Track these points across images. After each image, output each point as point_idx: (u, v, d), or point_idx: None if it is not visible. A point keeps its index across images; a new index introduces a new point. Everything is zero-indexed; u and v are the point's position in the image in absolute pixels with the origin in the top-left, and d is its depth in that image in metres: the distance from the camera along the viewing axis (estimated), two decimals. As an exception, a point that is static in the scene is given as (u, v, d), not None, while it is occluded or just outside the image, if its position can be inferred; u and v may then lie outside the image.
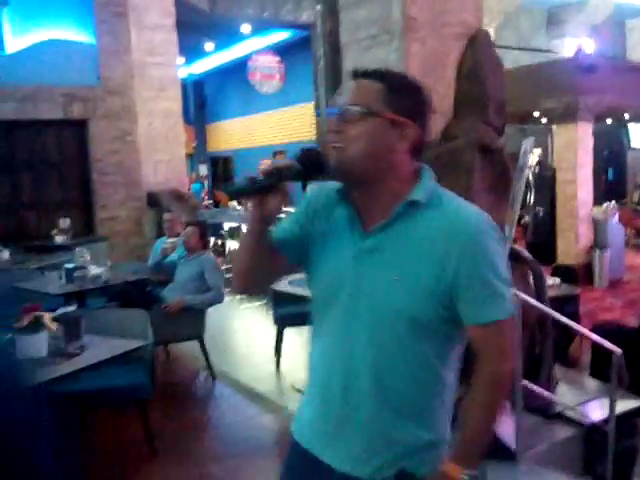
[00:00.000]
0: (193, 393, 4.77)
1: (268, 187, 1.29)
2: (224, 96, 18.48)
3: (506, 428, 2.97)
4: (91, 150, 7.88)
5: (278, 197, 1.30)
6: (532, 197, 10.24)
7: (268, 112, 16.43)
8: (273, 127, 16.64)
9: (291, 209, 1.52)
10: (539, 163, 10.74)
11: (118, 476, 3.39)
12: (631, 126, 13.33)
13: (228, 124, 18.89)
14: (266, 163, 1.33)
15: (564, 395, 3.59)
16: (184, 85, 9.25)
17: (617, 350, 3.32)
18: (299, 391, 4.35)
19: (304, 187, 1.41)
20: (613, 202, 9.69)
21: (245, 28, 12.10)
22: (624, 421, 3.34)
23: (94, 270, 4.83)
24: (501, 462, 2.84)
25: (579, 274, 8.00)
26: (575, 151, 10.00)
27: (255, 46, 13.98)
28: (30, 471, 0.95)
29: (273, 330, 5.08)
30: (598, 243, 8.79)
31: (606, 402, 3.29)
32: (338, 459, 1.39)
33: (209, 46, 14.89)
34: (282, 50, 13.47)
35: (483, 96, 3.58)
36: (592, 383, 4.02)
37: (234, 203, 9.66)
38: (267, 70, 13.09)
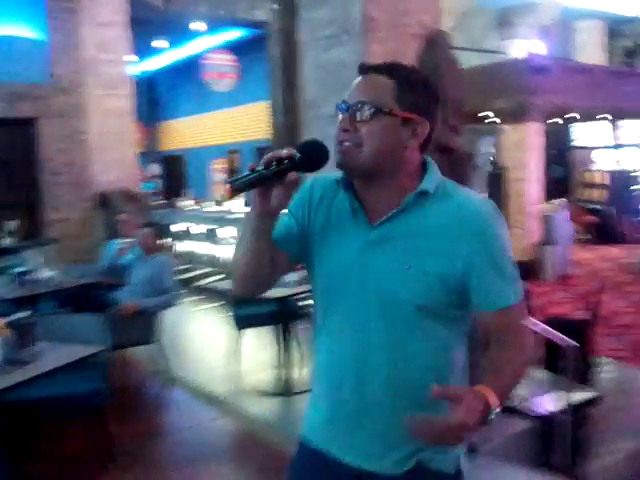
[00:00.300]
0: (148, 398, 4.68)
1: (271, 178, 1.23)
2: (177, 94, 18.25)
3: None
4: (41, 149, 7.67)
5: (283, 189, 1.24)
6: (485, 195, 10.42)
7: (222, 111, 16.30)
8: (227, 126, 16.51)
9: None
10: (491, 162, 10.93)
11: (75, 484, 3.32)
12: (576, 125, 13.70)
13: (181, 122, 18.66)
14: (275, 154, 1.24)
15: (519, 388, 3.67)
16: (136, 83, 9.05)
17: (572, 343, 3.40)
18: (260, 393, 4.33)
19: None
20: (562, 199, 9.94)
21: (199, 26, 11.96)
22: (578, 412, 3.43)
23: (46, 273, 4.70)
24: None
25: (529, 269, 8.20)
26: (525, 150, 10.24)
27: (209, 44, 13.85)
28: None
29: (231, 331, 5.03)
30: (547, 239, 9.01)
31: (560, 394, 3.36)
32: (356, 456, 1.38)
33: (162, 43, 14.68)
34: (237, 48, 13.37)
35: (441, 96, 3.61)
36: (546, 376, 4.11)
37: (189, 202, 9.55)
38: (221, 68, 12.99)
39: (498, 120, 10.19)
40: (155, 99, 19.50)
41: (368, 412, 1.35)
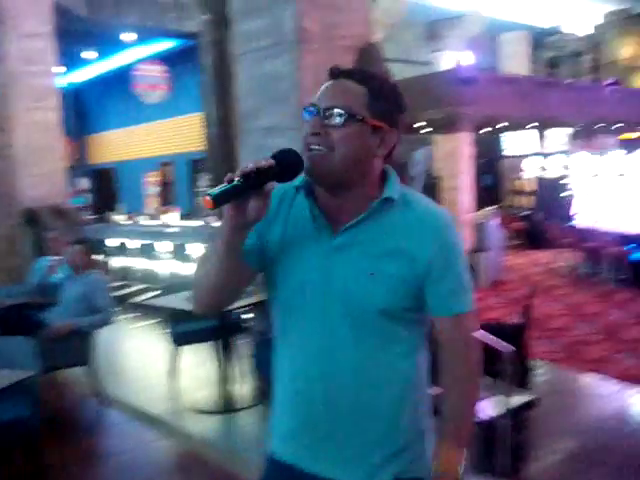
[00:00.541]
0: (85, 422, 4.50)
1: (252, 188, 1.19)
2: (106, 106, 17.84)
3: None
4: (-38, 165, 7.32)
5: (261, 200, 1.21)
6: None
7: (154, 122, 16.04)
8: (159, 138, 16.25)
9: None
10: (425, 172, 11.15)
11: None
12: (505, 135, 14.15)
13: (111, 135, 18.25)
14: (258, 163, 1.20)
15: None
16: (63, 95, 8.77)
17: (509, 347, 3.47)
18: (200, 411, 4.23)
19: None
20: (493, 207, 10.22)
21: (128, 36, 11.74)
22: (516, 415, 3.49)
23: (-31, 295, 4.47)
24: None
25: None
26: (457, 159, 10.49)
27: (139, 55, 13.61)
28: None
29: (167, 349, 4.91)
30: (480, 246, 9.24)
31: (499, 398, 3.42)
32: (328, 467, 1.35)
33: (91, 54, 14.34)
34: (168, 59, 13.19)
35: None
36: (484, 381, 4.18)
37: (123, 217, 9.32)
38: (152, 80, 12.78)
39: (430, 130, 10.41)
40: (84, 111, 19.01)
41: (338, 421, 1.34)
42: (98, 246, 7.77)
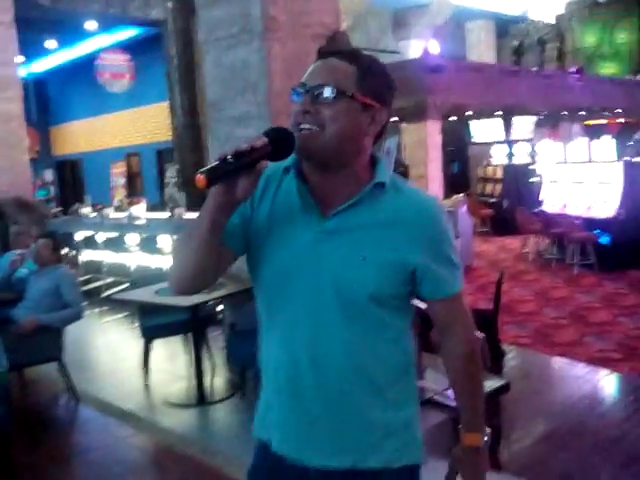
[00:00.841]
0: (56, 419, 4.42)
1: (245, 167, 1.17)
2: (70, 96, 17.47)
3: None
4: None
5: (252, 178, 1.19)
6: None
7: (119, 112, 15.77)
8: (125, 128, 16.00)
9: None
10: (395, 160, 11.16)
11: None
12: (472, 123, 14.27)
13: (75, 126, 17.90)
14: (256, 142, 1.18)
15: (432, 381, 3.74)
16: (25, 85, 8.57)
17: (479, 334, 3.49)
18: (173, 405, 4.20)
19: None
20: (462, 194, 10.30)
21: (90, 25, 11.49)
22: (489, 401, 3.52)
23: None
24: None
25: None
26: (425, 148, 10.54)
27: (102, 43, 13.35)
28: None
29: (139, 343, 4.85)
30: (450, 233, 9.29)
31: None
32: (319, 454, 1.34)
33: (51, 43, 14.01)
34: (132, 48, 12.95)
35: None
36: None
37: (87, 209, 9.14)
38: (116, 69, 12.54)
39: (398, 119, 10.43)
40: (48, 102, 18.60)
41: (327, 407, 1.33)
42: (65, 239, 7.62)
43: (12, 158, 7.58)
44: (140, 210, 8.59)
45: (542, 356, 5.21)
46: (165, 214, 7.85)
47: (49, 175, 18.21)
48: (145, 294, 4.51)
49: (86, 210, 8.99)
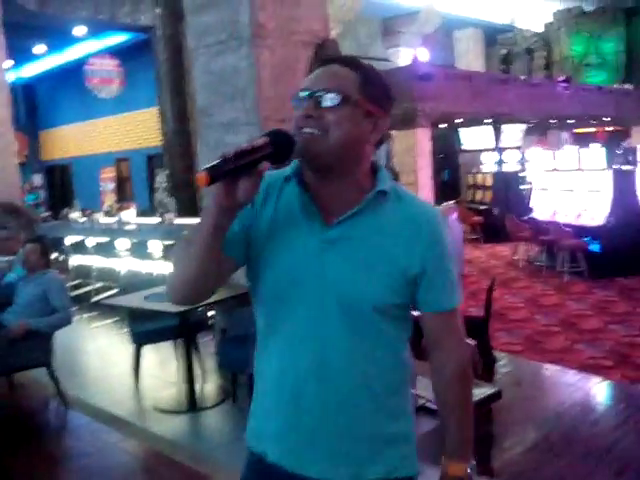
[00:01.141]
0: (45, 425, 4.35)
1: (246, 167, 1.15)
2: (59, 101, 17.40)
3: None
4: None
5: (253, 180, 1.17)
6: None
7: (109, 117, 15.72)
8: (114, 133, 15.94)
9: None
10: (385, 167, 11.19)
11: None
12: (461, 130, 14.33)
13: (64, 130, 17.82)
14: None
15: (424, 388, 3.74)
16: (13, 89, 8.54)
17: (470, 342, 3.49)
18: (164, 411, 4.16)
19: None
20: (452, 201, 10.34)
21: (79, 30, 11.45)
22: (480, 408, 3.53)
23: None
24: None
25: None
26: (414, 155, 10.57)
27: (91, 49, 13.31)
28: None
29: (129, 348, 4.81)
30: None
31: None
32: (316, 465, 1.32)
33: (40, 48, 13.96)
34: (121, 53, 12.92)
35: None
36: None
37: (76, 214, 9.09)
38: (105, 74, 12.51)
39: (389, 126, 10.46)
40: (36, 106, 18.52)
41: (327, 417, 1.31)
42: (55, 244, 7.57)
43: (0, 163, 7.52)
44: (130, 215, 8.55)
45: (533, 363, 5.22)
46: (155, 219, 7.82)
47: (38, 179, 18.11)
48: (134, 300, 4.48)
49: (75, 215, 8.94)
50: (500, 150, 13.89)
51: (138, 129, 14.93)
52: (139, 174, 15.27)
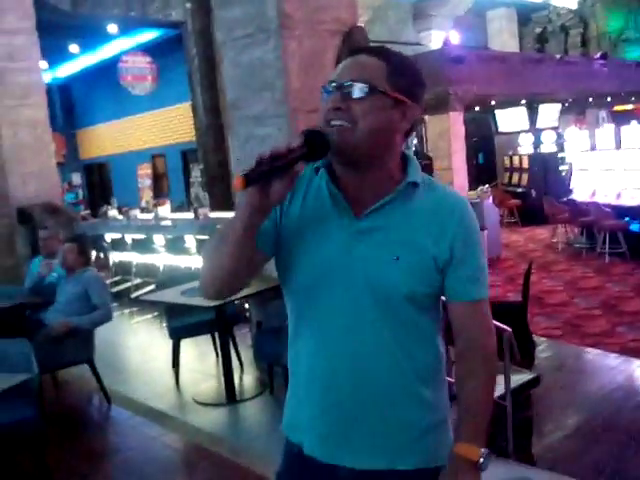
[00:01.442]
0: (88, 420, 4.48)
1: (282, 169, 1.16)
2: (94, 99, 17.67)
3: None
4: (-49, 166, 7.24)
5: (287, 181, 1.18)
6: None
7: (143, 114, 15.91)
8: (150, 129, 16.13)
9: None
10: (416, 152, 11.10)
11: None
12: (497, 112, 14.08)
13: (101, 129, 18.10)
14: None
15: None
16: (49, 90, 8.71)
17: (507, 329, 3.45)
18: (202, 404, 4.23)
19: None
20: (487, 185, 10.20)
21: (112, 28, 11.59)
22: (519, 394, 3.49)
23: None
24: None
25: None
26: (448, 139, 10.42)
27: (124, 46, 13.47)
28: None
29: (169, 343, 4.89)
30: (476, 225, 9.20)
31: (501, 378, 3.41)
32: (351, 455, 1.34)
33: (74, 48, 14.18)
34: (153, 50, 13.04)
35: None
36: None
37: (113, 211, 9.25)
38: (138, 71, 12.64)
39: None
40: (73, 106, 18.84)
41: (362, 405, 1.32)
42: (95, 242, 7.73)
43: (39, 164, 7.67)
44: (165, 211, 8.67)
45: (574, 347, 5.14)
46: (190, 214, 7.92)
47: (77, 178, 18.46)
48: (171, 295, 4.55)
49: (113, 212, 9.11)
50: (537, 131, 13.61)
51: (172, 124, 15.08)
52: (175, 169, 15.44)
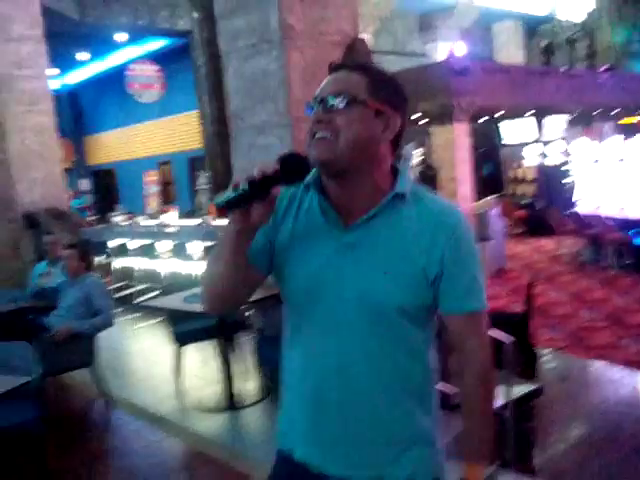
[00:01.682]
0: (90, 424, 4.49)
1: (257, 194, 1.20)
2: (102, 107, 17.80)
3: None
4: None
5: (266, 204, 1.21)
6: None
7: (150, 122, 16.01)
8: (156, 137, 16.22)
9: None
10: (423, 162, 11.11)
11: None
12: (502, 124, 14.10)
13: (108, 135, 18.22)
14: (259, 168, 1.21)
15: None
16: (58, 97, 8.76)
17: (509, 338, 3.44)
18: (205, 410, 4.22)
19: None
20: (493, 196, 10.19)
21: (120, 36, 11.69)
22: (521, 405, 3.47)
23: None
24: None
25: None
26: (453, 150, 10.44)
27: (132, 54, 13.57)
28: None
29: (171, 349, 4.89)
30: (481, 235, 9.20)
31: (502, 388, 3.40)
32: (339, 464, 1.34)
33: (83, 55, 14.30)
34: (161, 58, 13.14)
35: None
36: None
37: (120, 217, 9.29)
38: (146, 79, 12.74)
39: (425, 121, 10.37)
40: (81, 113, 18.97)
41: (352, 418, 1.33)
42: (99, 248, 7.75)
43: (46, 169, 7.72)
44: (172, 217, 8.70)
45: (578, 359, 5.11)
46: (196, 221, 7.93)
47: (85, 184, 18.56)
48: (174, 301, 4.55)
49: (118, 218, 9.14)
50: (543, 143, 13.61)
51: (179, 132, 15.16)
52: (182, 177, 15.51)
